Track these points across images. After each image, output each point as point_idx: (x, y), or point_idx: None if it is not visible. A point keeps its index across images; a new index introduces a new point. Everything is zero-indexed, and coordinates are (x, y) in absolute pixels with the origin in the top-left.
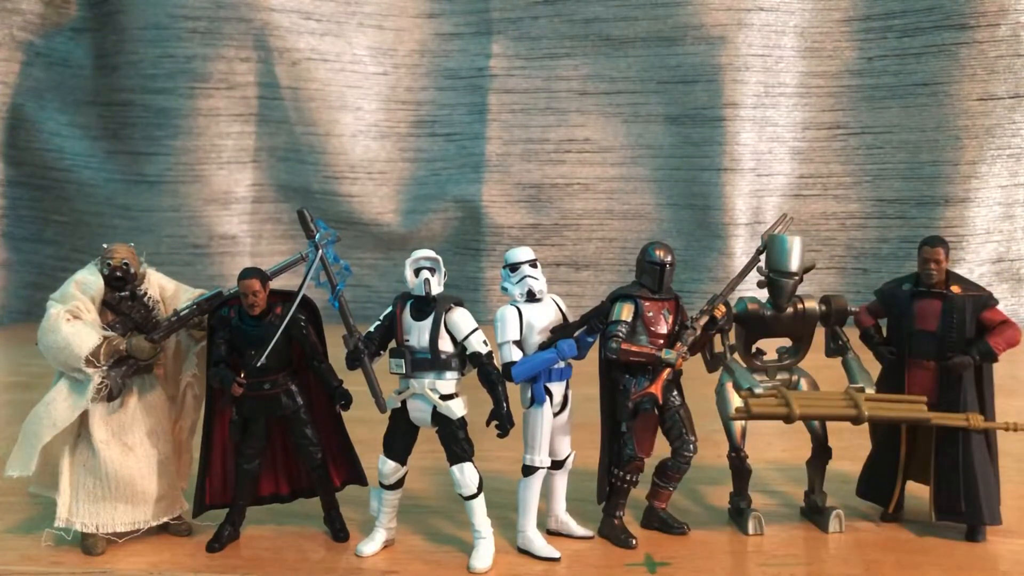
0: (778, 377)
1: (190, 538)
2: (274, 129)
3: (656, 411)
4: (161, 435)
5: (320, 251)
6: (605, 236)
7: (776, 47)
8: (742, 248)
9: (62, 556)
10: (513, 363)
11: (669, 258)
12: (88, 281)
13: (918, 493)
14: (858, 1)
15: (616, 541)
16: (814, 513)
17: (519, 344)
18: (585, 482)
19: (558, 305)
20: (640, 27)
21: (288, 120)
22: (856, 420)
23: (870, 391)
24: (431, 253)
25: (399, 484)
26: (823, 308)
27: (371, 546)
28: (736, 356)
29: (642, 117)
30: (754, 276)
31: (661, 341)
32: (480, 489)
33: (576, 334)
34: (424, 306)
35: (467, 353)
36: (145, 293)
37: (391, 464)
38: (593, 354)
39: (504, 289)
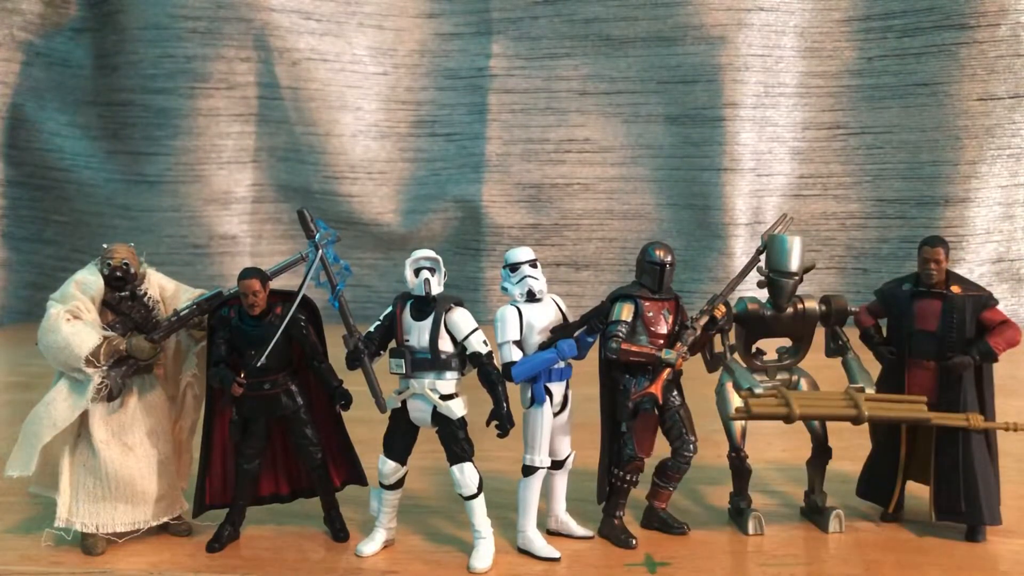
0: (778, 377)
1: (190, 538)
2: (274, 129)
3: (656, 411)
4: (161, 435)
5: (320, 251)
6: (605, 236)
7: (776, 47)
8: (742, 248)
9: (62, 556)
10: (513, 363)
11: (669, 258)
12: (88, 281)
13: (918, 493)
14: (858, 1)
15: (616, 541)
16: (814, 513)
17: (519, 344)
18: (585, 482)
19: (558, 305)
20: (640, 27)
21: (288, 120)
22: (856, 420)
23: (870, 391)
24: (431, 253)
25: (399, 484)
26: (823, 308)
27: (371, 546)
28: (736, 356)
29: (642, 117)
30: (754, 276)
31: (661, 341)
32: (480, 489)
33: (576, 334)
34: (424, 306)
35: (467, 353)
36: (145, 293)
37: (391, 464)
38: (593, 354)
39: (504, 289)
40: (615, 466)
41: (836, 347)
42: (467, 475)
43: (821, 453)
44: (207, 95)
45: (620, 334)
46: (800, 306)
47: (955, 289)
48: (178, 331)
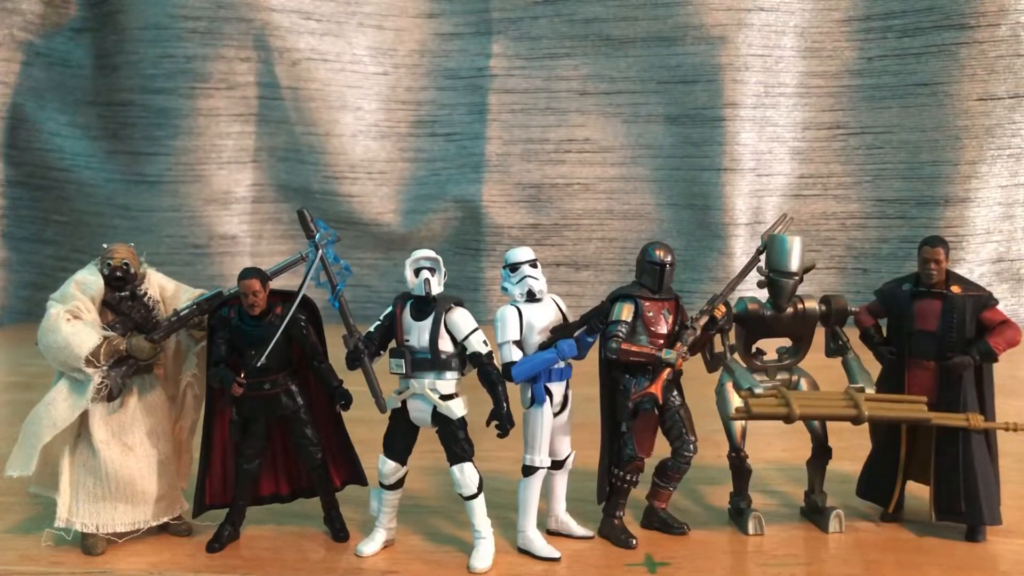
0: (778, 377)
1: (190, 538)
2: (274, 129)
3: (656, 411)
4: (161, 435)
5: (320, 251)
6: (605, 236)
7: (776, 47)
8: (742, 248)
9: (62, 556)
10: (513, 363)
11: (669, 258)
12: (88, 281)
13: (918, 493)
14: (858, 1)
15: (616, 541)
16: (814, 513)
17: (519, 344)
18: (585, 482)
19: (558, 305)
20: (640, 27)
21: (288, 120)
22: (856, 420)
23: (870, 391)
24: (431, 253)
25: (399, 484)
26: (823, 308)
27: (371, 546)
28: (736, 356)
29: (642, 117)
30: (754, 276)
31: (661, 341)
32: (480, 489)
33: (576, 334)
34: (424, 306)
35: (467, 353)
36: (145, 293)
37: (391, 464)
38: (593, 354)
39: (504, 289)
40: (615, 466)
41: (836, 347)
42: (467, 475)
43: (821, 453)
44: (207, 95)
45: (620, 334)
46: (800, 306)
47: (955, 289)
48: (178, 331)
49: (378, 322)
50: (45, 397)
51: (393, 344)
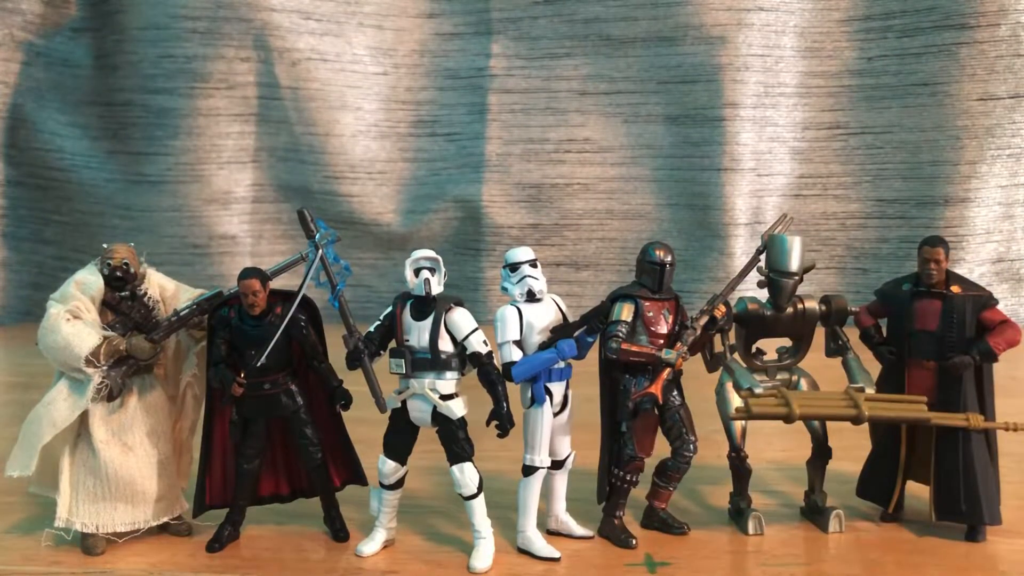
0: (778, 377)
1: (190, 538)
2: (274, 129)
3: (656, 411)
4: (161, 435)
5: (320, 251)
6: (605, 236)
7: (776, 47)
8: (742, 248)
9: (62, 556)
10: (513, 363)
11: (669, 258)
12: (88, 281)
13: (918, 493)
14: (858, 1)
15: (616, 541)
16: (814, 513)
17: (519, 344)
18: (585, 482)
19: (558, 305)
20: (640, 27)
21: (288, 120)
22: (856, 420)
23: (870, 391)
24: (431, 253)
25: (399, 484)
26: (823, 308)
27: (371, 546)
28: (736, 356)
29: (642, 117)
30: (754, 276)
31: (661, 341)
32: (480, 489)
33: (576, 334)
34: (424, 306)
35: (467, 353)
36: (145, 293)
37: (391, 464)
38: (593, 354)
39: (504, 289)
40: (615, 466)
41: (836, 347)
42: (467, 475)
43: (821, 453)
44: (207, 95)
45: (620, 334)
46: (800, 306)
47: (955, 289)
48: (178, 331)
49: (378, 322)
50: (45, 397)
51: (393, 344)
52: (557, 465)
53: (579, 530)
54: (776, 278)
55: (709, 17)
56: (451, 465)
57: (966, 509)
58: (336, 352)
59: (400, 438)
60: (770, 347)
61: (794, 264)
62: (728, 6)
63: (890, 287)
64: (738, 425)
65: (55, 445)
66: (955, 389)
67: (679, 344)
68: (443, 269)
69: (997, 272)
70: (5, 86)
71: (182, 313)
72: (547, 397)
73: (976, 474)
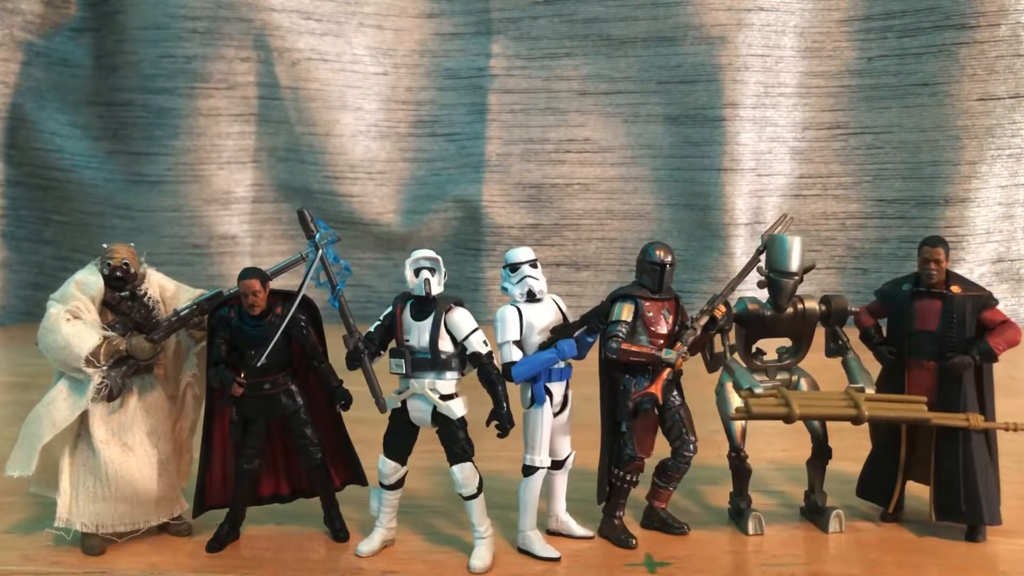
0: (778, 377)
1: (190, 538)
2: (274, 129)
3: (656, 411)
4: (161, 435)
5: (320, 251)
6: (605, 236)
7: (776, 47)
8: (742, 248)
9: (62, 556)
10: (513, 363)
11: (669, 258)
12: (88, 281)
13: (918, 493)
14: (858, 1)
15: (616, 541)
16: (814, 513)
17: (519, 344)
18: (585, 482)
19: (558, 305)
20: (640, 27)
21: (288, 120)
22: (856, 420)
23: (870, 391)
24: (431, 253)
25: (399, 484)
26: (823, 308)
27: (371, 546)
28: (736, 356)
29: (642, 117)
30: (754, 276)
31: (661, 341)
32: (480, 489)
33: (576, 334)
34: (424, 306)
35: (467, 353)
36: (145, 293)
37: (391, 464)
38: (593, 354)
39: (504, 289)
40: (615, 466)
41: (836, 347)
42: (467, 475)
43: (821, 453)
44: (207, 95)
45: (620, 334)
46: (800, 306)
47: (955, 289)
48: (178, 331)
49: (378, 322)
50: (45, 397)
51: (393, 344)
52: (557, 465)
53: (579, 530)
54: (776, 278)
55: (709, 17)
56: (451, 465)
57: (966, 509)
58: (336, 352)
59: (400, 438)
60: (770, 347)
61: (794, 264)
62: (728, 6)
63: (890, 287)
64: (738, 425)
65: (55, 445)
66: (955, 389)
67: (679, 344)
68: (443, 269)
69: (997, 272)
70: (5, 86)
71: (182, 313)
72: (547, 397)
73: (976, 474)
